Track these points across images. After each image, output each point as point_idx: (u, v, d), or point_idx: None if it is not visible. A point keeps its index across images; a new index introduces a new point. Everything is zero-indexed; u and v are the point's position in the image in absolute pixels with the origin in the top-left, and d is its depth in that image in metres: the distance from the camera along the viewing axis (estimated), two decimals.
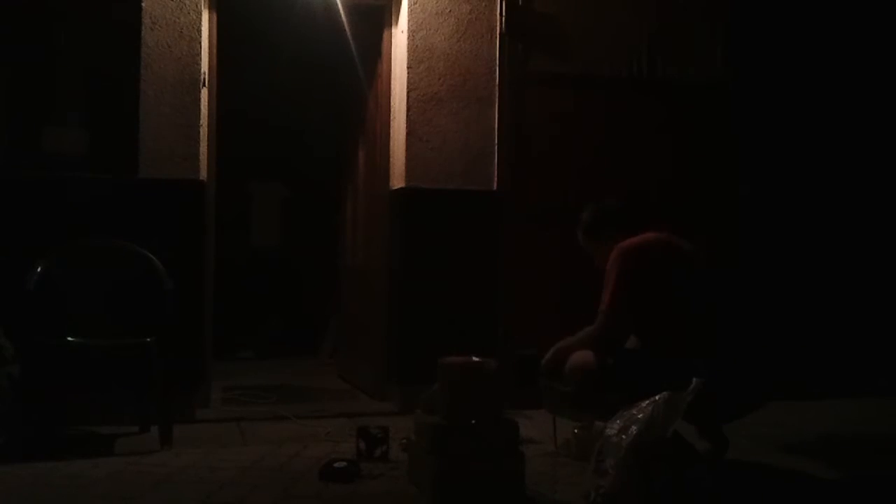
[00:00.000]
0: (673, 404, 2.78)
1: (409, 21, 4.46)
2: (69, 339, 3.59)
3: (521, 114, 4.60)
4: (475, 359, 3.05)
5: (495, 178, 4.56)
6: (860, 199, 5.13)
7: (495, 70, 4.56)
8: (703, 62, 4.91)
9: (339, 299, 5.75)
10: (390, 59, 4.65)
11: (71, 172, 4.03)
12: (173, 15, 4.15)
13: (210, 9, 4.33)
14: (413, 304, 4.46)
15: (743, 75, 4.93)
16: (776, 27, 4.99)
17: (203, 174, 4.26)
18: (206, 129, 4.31)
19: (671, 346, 3.19)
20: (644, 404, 2.81)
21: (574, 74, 4.69)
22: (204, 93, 4.27)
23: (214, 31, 4.38)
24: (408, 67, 4.46)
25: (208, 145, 4.33)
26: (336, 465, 3.17)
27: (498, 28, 4.56)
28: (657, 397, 2.80)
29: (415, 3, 4.46)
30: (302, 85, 6.69)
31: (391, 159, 4.65)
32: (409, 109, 4.46)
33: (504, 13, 4.55)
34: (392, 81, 4.63)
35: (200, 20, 4.22)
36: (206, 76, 4.30)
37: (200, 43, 4.22)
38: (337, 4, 4.57)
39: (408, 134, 4.46)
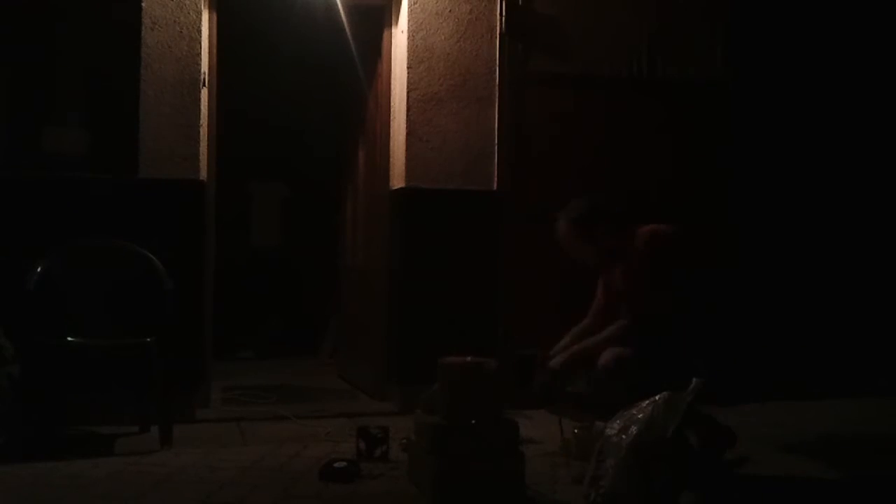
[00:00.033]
0: (673, 404, 2.78)
1: (409, 21, 4.46)
2: (69, 339, 3.59)
3: (521, 114, 4.60)
4: (475, 359, 3.05)
5: (495, 178, 4.56)
6: (860, 199, 5.12)
7: (495, 70, 4.56)
8: (703, 62, 4.91)
9: (339, 299, 5.75)
10: (390, 59, 4.65)
11: (71, 172, 4.03)
12: (173, 15, 4.15)
13: (210, 9, 4.33)
14: (413, 304, 4.46)
15: (743, 75, 4.92)
16: (776, 27, 4.99)
17: (203, 174, 4.26)
18: (206, 129, 4.31)
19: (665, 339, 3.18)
20: (644, 404, 2.81)
21: (574, 74, 4.69)
22: (204, 93, 4.27)
23: (214, 31, 4.38)
24: (408, 67, 4.46)
25: (208, 145, 4.33)
26: (336, 465, 3.17)
27: (498, 28, 4.56)
28: (657, 397, 2.80)
29: (415, 3, 4.46)
30: (302, 85, 6.69)
31: (391, 159, 4.65)
32: (409, 109, 4.46)
33: (504, 13, 4.55)
34: (392, 81, 4.63)
35: (200, 20, 4.22)
36: (206, 76, 4.30)
37: (200, 43, 4.22)
38: (337, 4, 4.56)
39: (408, 134, 4.46)
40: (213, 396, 4.51)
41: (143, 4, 4.11)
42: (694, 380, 2.79)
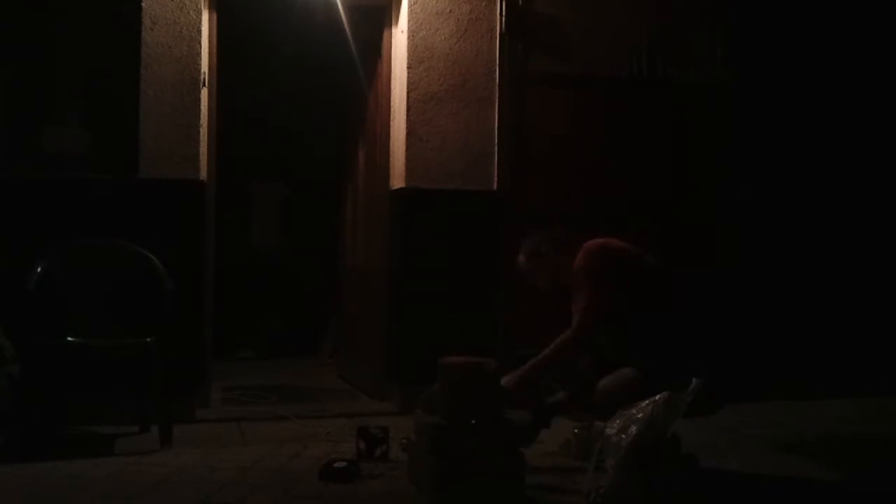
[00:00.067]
0: (673, 404, 2.78)
1: (409, 21, 4.46)
2: (69, 339, 3.59)
3: (521, 114, 4.60)
4: (475, 359, 3.05)
5: (495, 178, 4.56)
6: (860, 199, 5.12)
7: (495, 70, 4.56)
8: (703, 62, 4.91)
9: (339, 299, 5.75)
10: (390, 59, 4.65)
11: (71, 172, 4.03)
12: (173, 15, 4.15)
13: (210, 9, 4.33)
14: (413, 304, 4.46)
15: (743, 75, 4.92)
16: (776, 27, 4.99)
17: (203, 174, 4.26)
18: (206, 129, 4.31)
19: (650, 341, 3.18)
20: (644, 404, 2.82)
21: (574, 74, 4.69)
22: (204, 93, 4.27)
23: (214, 31, 4.38)
24: (408, 67, 4.46)
25: (208, 145, 4.33)
26: (336, 465, 3.17)
27: (498, 28, 4.56)
28: (657, 397, 2.80)
29: (415, 3, 4.46)
30: (302, 85, 6.69)
31: (391, 159, 4.65)
32: (409, 109, 4.46)
33: (504, 13, 4.55)
34: (392, 81, 4.63)
35: (200, 20, 4.22)
36: (206, 76, 4.30)
37: (200, 43, 4.22)
38: (337, 4, 4.57)
39: (408, 134, 4.46)
40: (213, 396, 4.51)
41: (143, 4, 4.11)
42: (694, 380, 2.79)
